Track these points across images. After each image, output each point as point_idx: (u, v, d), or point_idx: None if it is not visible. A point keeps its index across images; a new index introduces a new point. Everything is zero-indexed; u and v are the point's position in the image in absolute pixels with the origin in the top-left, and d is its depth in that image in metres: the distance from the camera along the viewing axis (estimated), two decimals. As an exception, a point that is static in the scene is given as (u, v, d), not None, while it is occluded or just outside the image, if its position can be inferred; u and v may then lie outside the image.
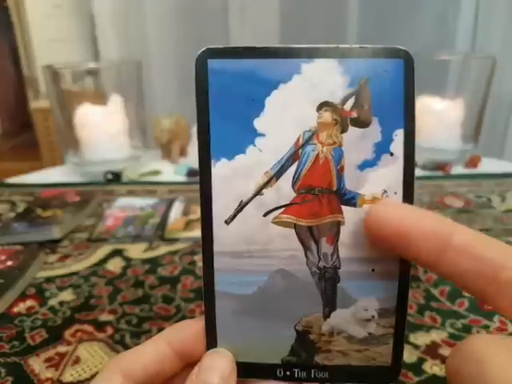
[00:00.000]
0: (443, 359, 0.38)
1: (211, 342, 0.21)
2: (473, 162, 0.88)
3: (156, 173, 0.89)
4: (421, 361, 0.37)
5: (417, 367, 0.37)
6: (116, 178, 0.85)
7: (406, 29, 1.32)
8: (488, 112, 0.89)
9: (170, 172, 0.90)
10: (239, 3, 1.39)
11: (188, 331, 0.21)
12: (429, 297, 0.46)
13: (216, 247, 0.20)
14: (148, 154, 0.94)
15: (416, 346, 0.39)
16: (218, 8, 1.41)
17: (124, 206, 0.70)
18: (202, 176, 0.20)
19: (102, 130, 0.85)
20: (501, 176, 0.82)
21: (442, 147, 0.86)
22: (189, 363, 0.21)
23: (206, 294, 0.21)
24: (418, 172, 0.86)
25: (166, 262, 0.55)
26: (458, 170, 0.87)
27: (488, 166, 0.89)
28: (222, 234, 0.20)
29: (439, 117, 0.86)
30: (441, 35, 1.33)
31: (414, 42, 1.28)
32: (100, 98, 0.87)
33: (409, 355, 0.38)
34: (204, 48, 0.20)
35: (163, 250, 0.58)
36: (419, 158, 0.88)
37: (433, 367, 0.37)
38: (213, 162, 0.20)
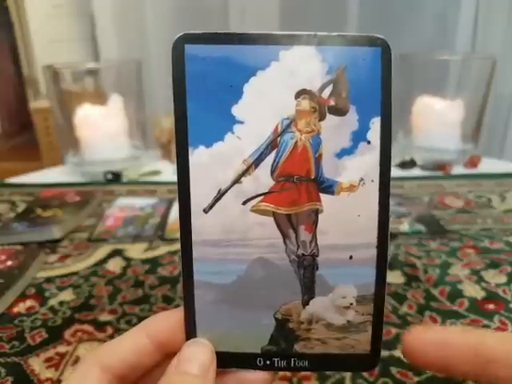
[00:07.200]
0: (443, 359, 0.37)
1: (190, 332, 0.21)
2: (473, 162, 0.88)
3: (156, 173, 0.89)
4: (421, 361, 0.37)
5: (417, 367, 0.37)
6: (116, 177, 0.85)
7: (406, 29, 1.32)
8: (488, 112, 0.89)
9: (170, 172, 0.90)
10: (239, 3, 1.39)
11: (167, 322, 0.21)
12: (429, 297, 0.46)
13: (194, 236, 0.20)
14: (148, 154, 0.94)
15: (416, 346, 0.39)
16: (218, 8, 1.41)
17: (124, 205, 0.70)
18: (180, 164, 0.20)
19: (102, 130, 0.85)
20: (501, 176, 0.82)
21: (442, 147, 0.86)
22: (168, 354, 0.21)
23: (185, 284, 0.21)
24: (417, 172, 0.86)
25: (165, 261, 0.54)
26: (458, 170, 0.87)
27: (488, 166, 0.89)
28: (200, 223, 0.20)
29: (439, 117, 0.86)
30: (441, 35, 1.33)
31: (414, 42, 1.28)
32: (100, 98, 0.87)
33: (409, 355, 0.38)
34: (181, 33, 0.19)
35: (163, 249, 0.58)
36: (419, 158, 0.88)
37: (433, 367, 0.37)
38: (190, 149, 0.20)
